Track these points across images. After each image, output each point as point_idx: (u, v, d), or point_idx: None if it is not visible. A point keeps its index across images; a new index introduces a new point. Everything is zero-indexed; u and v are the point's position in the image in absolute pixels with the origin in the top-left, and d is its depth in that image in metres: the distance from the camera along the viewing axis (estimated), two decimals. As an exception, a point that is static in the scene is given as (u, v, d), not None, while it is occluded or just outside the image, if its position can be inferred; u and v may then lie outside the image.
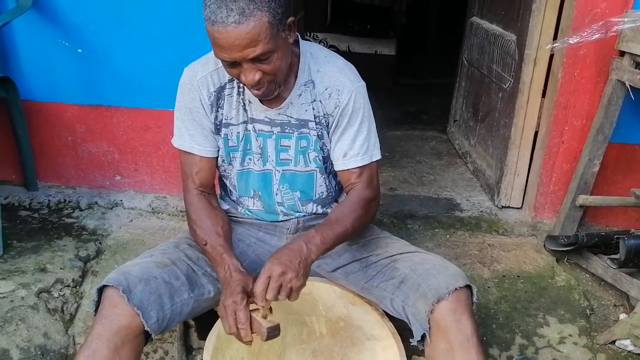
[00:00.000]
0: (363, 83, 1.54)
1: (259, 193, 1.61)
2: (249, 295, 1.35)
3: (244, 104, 1.50)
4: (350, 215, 1.49)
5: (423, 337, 1.41)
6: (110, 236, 2.28)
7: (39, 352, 1.72)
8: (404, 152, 3.48)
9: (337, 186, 1.68)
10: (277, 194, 1.60)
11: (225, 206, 1.69)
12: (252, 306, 1.33)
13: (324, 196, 1.64)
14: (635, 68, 2.08)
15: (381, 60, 5.30)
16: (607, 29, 2.14)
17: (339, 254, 1.62)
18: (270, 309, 1.34)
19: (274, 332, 1.31)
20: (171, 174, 2.53)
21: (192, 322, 1.90)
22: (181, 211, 2.47)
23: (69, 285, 1.96)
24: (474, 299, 1.44)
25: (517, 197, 2.70)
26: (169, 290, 1.41)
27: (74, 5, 2.28)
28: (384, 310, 1.56)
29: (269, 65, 1.31)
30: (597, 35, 2.16)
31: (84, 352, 1.30)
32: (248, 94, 1.48)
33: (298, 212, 1.63)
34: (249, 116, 1.51)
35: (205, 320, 1.69)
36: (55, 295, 1.91)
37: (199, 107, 1.50)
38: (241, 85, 1.47)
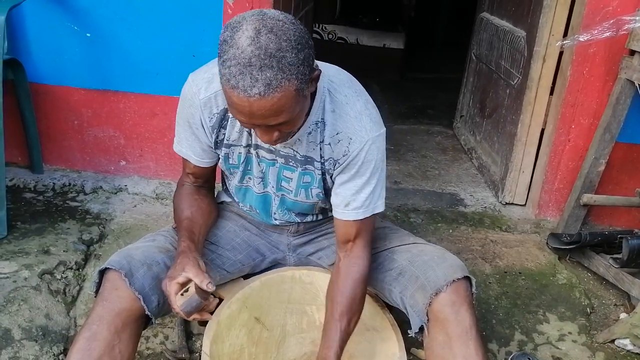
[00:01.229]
0: (381, 132, 1.38)
1: (257, 210, 1.59)
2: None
3: (250, 130, 1.39)
4: (356, 306, 1.42)
5: (421, 328, 1.41)
6: (113, 221, 2.29)
7: (41, 333, 1.73)
8: (409, 146, 3.47)
9: None
10: (275, 213, 1.57)
11: (227, 199, 1.67)
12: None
13: (326, 207, 1.58)
14: (645, 67, 2.08)
15: (389, 54, 5.29)
16: (618, 27, 2.13)
17: None
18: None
19: (189, 306, 1.30)
20: (176, 161, 2.54)
21: (193, 308, 1.91)
22: (185, 198, 2.48)
23: (71, 268, 1.97)
24: (473, 289, 1.44)
25: (522, 194, 2.69)
26: None
27: (83, -12, 2.28)
28: (384, 301, 1.56)
29: (288, 127, 1.20)
30: (607, 34, 2.14)
31: (84, 334, 1.30)
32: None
33: (297, 222, 1.62)
34: (254, 142, 1.42)
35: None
36: (58, 277, 1.92)
37: (198, 125, 1.40)
38: None
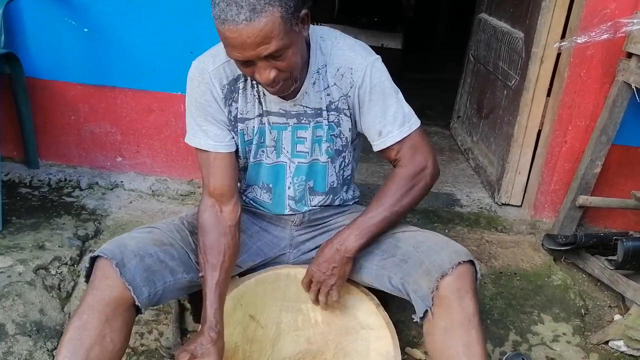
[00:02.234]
0: (376, 56, 1.46)
1: (270, 185, 1.58)
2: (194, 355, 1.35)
3: (259, 97, 1.45)
4: (391, 197, 1.47)
5: (425, 313, 1.40)
6: (109, 217, 2.28)
7: (35, 328, 1.73)
8: None
9: (350, 174, 1.66)
10: (289, 187, 1.57)
11: None
12: None
13: (334, 185, 1.61)
14: (642, 70, 2.08)
15: (387, 54, 5.23)
16: (616, 29, 2.13)
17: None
18: None
19: None
20: (172, 158, 2.53)
21: (187, 305, 1.91)
22: (181, 195, 2.48)
23: (66, 264, 1.97)
24: (478, 275, 1.43)
25: (518, 195, 2.70)
26: (163, 268, 1.41)
27: (81, -17, 2.27)
28: (379, 293, 1.56)
29: (284, 62, 1.26)
30: (605, 36, 2.15)
31: (74, 323, 1.31)
32: (262, 87, 1.43)
33: (305, 205, 1.61)
34: (264, 109, 1.46)
35: (200, 303, 1.70)
36: (53, 272, 1.92)
37: (211, 100, 1.44)
38: None
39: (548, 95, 2.52)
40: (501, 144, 2.77)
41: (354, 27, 5.30)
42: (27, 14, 2.32)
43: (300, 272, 1.58)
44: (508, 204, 2.71)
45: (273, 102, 1.45)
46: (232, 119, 1.46)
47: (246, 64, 1.27)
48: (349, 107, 1.47)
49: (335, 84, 1.45)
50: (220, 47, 1.42)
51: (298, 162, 1.53)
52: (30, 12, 2.32)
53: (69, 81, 2.43)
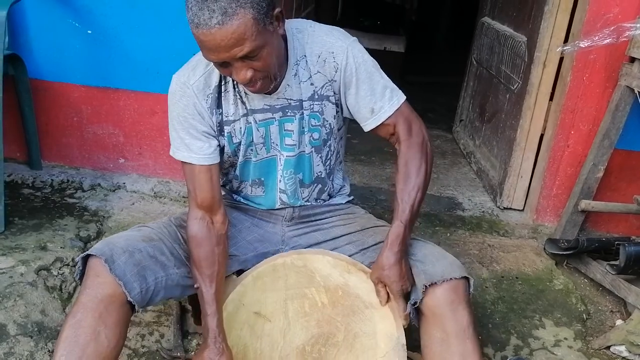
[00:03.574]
0: (354, 38, 1.49)
1: (262, 179, 1.59)
2: None
3: (241, 97, 1.46)
4: (414, 175, 1.46)
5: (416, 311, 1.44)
6: (111, 218, 2.29)
7: (36, 329, 1.73)
8: None
9: (335, 163, 1.66)
10: (280, 180, 1.58)
11: (222, 192, 1.68)
12: None
13: (322, 175, 1.61)
14: (645, 75, 2.08)
15: (390, 57, 5.28)
16: (618, 34, 2.13)
17: (334, 238, 1.62)
18: None
19: None
20: (175, 159, 2.52)
21: (188, 307, 1.91)
22: (183, 197, 2.48)
23: (68, 265, 1.97)
24: (471, 290, 1.44)
25: (520, 199, 2.70)
26: (153, 263, 1.42)
27: (85, -15, 2.28)
28: None
29: (260, 62, 1.27)
30: (608, 40, 2.14)
31: (69, 322, 1.32)
32: (243, 86, 1.42)
33: (297, 199, 1.62)
34: (249, 108, 1.47)
35: (202, 305, 1.70)
36: (55, 273, 1.92)
37: (194, 113, 1.43)
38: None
39: (551, 99, 2.52)
40: (503, 148, 2.77)
41: (356, 30, 5.32)
42: (30, 15, 2.33)
43: (295, 258, 1.57)
44: (510, 208, 2.71)
45: (256, 100, 1.46)
46: (218, 124, 1.47)
47: (223, 65, 1.29)
48: (334, 93, 1.49)
49: (318, 71, 1.45)
50: (197, 58, 1.45)
51: (287, 156, 1.54)
52: (34, 14, 2.33)
53: (72, 83, 2.44)
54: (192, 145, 1.45)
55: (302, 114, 1.48)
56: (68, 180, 2.49)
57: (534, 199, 2.60)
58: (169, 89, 1.45)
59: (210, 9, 1.18)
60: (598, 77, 2.28)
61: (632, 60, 2.16)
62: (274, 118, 1.48)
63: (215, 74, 1.43)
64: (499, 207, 2.72)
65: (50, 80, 2.43)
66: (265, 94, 1.44)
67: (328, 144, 1.56)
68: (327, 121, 1.52)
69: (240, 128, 1.48)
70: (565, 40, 2.42)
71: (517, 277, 2.24)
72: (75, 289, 1.95)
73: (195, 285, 1.46)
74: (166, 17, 2.29)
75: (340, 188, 1.74)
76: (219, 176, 1.54)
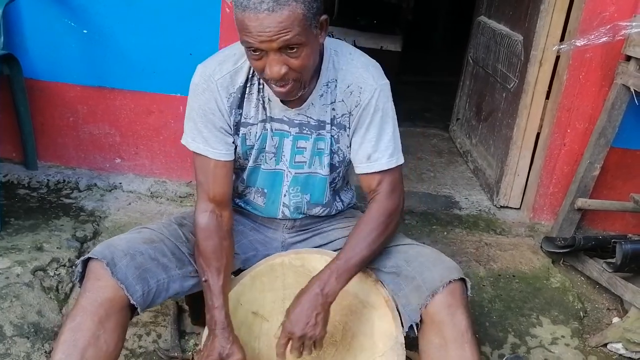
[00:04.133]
0: (387, 81, 1.46)
1: (265, 190, 1.57)
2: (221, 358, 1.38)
3: (264, 102, 1.43)
4: (369, 236, 1.43)
5: (411, 329, 1.42)
6: (108, 218, 2.28)
7: (32, 330, 1.72)
8: (404, 149, 3.38)
9: (340, 187, 1.65)
10: (285, 195, 1.56)
11: None
12: None
13: (329, 197, 1.60)
14: (641, 73, 2.08)
15: (386, 56, 5.27)
16: (614, 32, 2.14)
17: (332, 241, 1.62)
18: None
19: None
20: (171, 159, 2.53)
21: (185, 307, 1.91)
22: (180, 196, 2.48)
23: (64, 265, 1.96)
24: (469, 292, 1.44)
25: (516, 197, 2.70)
26: (154, 265, 1.41)
27: (81, -15, 2.28)
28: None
29: (297, 60, 1.24)
30: (604, 39, 2.15)
31: (68, 325, 1.31)
32: (268, 91, 1.40)
33: (299, 214, 1.60)
34: (268, 115, 1.44)
35: (198, 305, 1.69)
36: (51, 274, 1.91)
37: (214, 109, 1.41)
38: (262, 82, 1.40)
39: (547, 97, 2.53)
40: (500, 147, 2.78)
41: (353, 29, 5.32)
42: (26, 15, 2.32)
43: (294, 257, 1.57)
44: (507, 207, 2.71)
45: (277, 109, 1.44)
46: (235, 124, 1.45)
47: (259, 55, 1.25)
48: (349, 125, 1.47)
49: (342, 100, 1.43)
50: (227, 53, 1.42)
51: (295, 173, 1.52)
52: (29, 14, 2.32)
53: (68, 82, 2.43)
54: (210, 139, 1.43)
55: (320, 134, 1.46)
56: (64, 181, 2.48)
57: (531, 197, 2.60)
58: (192, 78, 1.42)
59: None
60: (594, 75, 2.28)
61: (628, 58, 2.16)
62: (290, 132, 1.46)
63: (243, 72, 1.40)
64: (495, 205, 2.72)
65: (46, 80, 2.42)
66: (288, 106, 1.42)
67: (338, 170, 1.56)
68: (342, 150, 1.50)
69: (256, 133, 1.46)
70: (562, 39, 2.42)
71: (514, 276, 2.24)
72: (71, 289, 1.94)
73: (203, 279, 1.44)
74: (162, 16, 2.29)
75: (347, 204, 1.72)
76: (232, 173, 1.52)
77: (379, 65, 1.48)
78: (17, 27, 2.34)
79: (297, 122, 1.45)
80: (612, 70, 2.23)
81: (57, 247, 2.01)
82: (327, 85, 1.42)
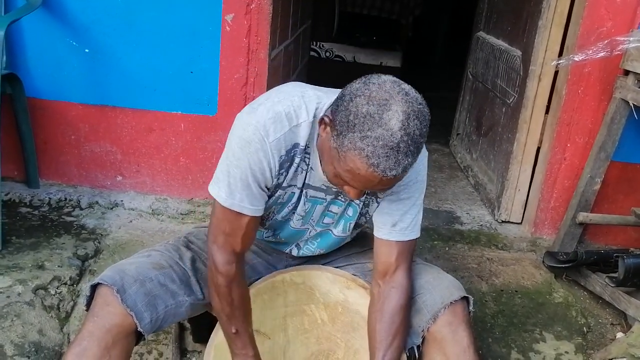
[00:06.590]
0: (426, 152, 1.45)
1: (283, 239, 1.55)
2: None
3: (306, 170, 1.38)
4: (400, 334, 1.39)
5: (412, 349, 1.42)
6: (109, 236, 2.28)
7: (33, 349, 1.71)
8: None
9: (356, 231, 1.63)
10: (301, 242, 1.56)
11: None
12: None
13: (344, 243, 1.61)
14: (640, 87, 2.09)
15: (386, 72, 5.28)
16: (612, 47, 2.15)
17: (336, 260, 1.62)
18: None
19: None
20: (172, 177, 2.54)
21: (187, 325, 1.90)
22: (181, 214, 2.48)
23: (66, 283, 1.96)
24: (471, 308, 1.44)
25: (518, 212, 2.70)
26: (164, 292, 1.40)
27: (83, 5, 2.29)
28: None
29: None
30: (602, 54, 2.16)
31: (74, 350, 1.30)
32: (313, 161, 1.35)
33: (308, 252, 1.60)
34: (306, 182, 1.40)
35: (200, 323, 1.69)
36: (52, 292, 1.91)
37: (264, 169, 1.30)
38: (308, 150, 1.35)
39: (546, 112, 2.53)
40: (500, 161, 2.78)
41: (352, 45, 5.35)
42: (28, 34, 2.34)
43: (295, 274, 1.57)
44: (508, 222, 2.71)
45: (317, 177, 1.39)
46: (276, 185, 1.37)
47: (342, 182, 1.23)
48: (381, 194, 1.44)
49: None
50: (279, 111, 1.29)
51: (320, 230, 1.52)
52: (31, 33, 2.34)
53: (69, 101, 2.44)
54: (250, 197, 1.33)
55: (352, 201, 1.45)
56: (66, 199, 2.48)
57: (532, 212, 2.60)
58: (242, 128, 1.29)
59: (397, 161, 1.11)
60: (593, 90, 2.29)
61: (627, 73, 2.18)
62: (325, 199, 1.44)
63: (295, 137, 1.31)
64: (497, 220, 2.72)
65: (48, 99, 2.44)
66: None
67: (359, 228, 1.58)
68: (369, 213, 1.49)
69: (293, 193, 1.42)
70: (560, 54, 2.44)
71: (516, 291, 2.23)
72: (73, 308, 1.93)
73: (232, 330, 1.39)
74: (163, 35, 2.31)
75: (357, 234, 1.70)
76: None
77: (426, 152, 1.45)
78: (19, 47, 2.36)
79: (335, 189, 1.41)
80: (611, 85, 2.24)
81: (59, 266, 2.00)
82: None
